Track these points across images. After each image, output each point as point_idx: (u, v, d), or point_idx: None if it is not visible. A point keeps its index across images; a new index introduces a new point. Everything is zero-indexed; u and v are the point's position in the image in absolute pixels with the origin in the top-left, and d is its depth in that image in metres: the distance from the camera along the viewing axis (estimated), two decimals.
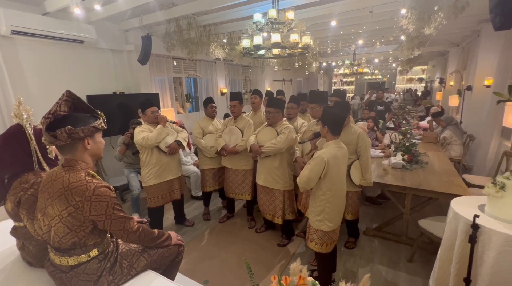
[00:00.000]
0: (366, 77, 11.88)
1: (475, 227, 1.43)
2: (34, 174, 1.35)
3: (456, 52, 6.91)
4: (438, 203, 2.71)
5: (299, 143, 2.50)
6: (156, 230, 1.41)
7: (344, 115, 1.88)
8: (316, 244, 1.89)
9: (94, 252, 1.21)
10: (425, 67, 12.09)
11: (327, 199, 1.80)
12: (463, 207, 1.64)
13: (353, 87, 14.69)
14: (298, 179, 1.82)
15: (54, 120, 1.12)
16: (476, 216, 1.42)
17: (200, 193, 3.94)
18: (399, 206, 2.70)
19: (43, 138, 1.37)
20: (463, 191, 2.33)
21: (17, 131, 1.36)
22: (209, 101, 3.21)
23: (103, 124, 1.22)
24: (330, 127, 1.80)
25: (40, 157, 1.40)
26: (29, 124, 1.38)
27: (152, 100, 2.79)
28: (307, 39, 2.88)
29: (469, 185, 3.22)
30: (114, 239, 1.38)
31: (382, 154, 3.59)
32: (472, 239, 1.43)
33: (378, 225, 2.93)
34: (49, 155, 1.45)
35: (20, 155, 1.37)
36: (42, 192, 1.19)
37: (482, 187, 2.96)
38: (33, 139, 1.37)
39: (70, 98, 1.17)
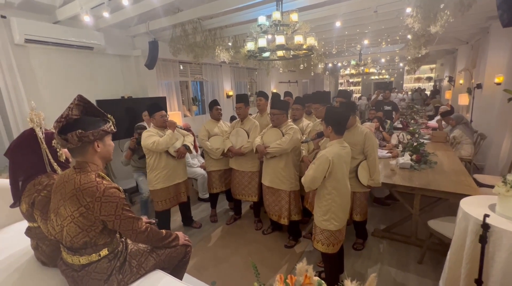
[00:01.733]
0: (373, 77, 11.78)
1: (485, 227, 1.40)
2: (47, 176, 1.41)
3: (465, 50, 6.78)
4: (448, 204, 2.66)
5: (302, 142, 2.51)
6: (164, 231, 1.44)
7: (347, 114, 1.88)
8: (322, 245, 1.89)
9: (104, 252, 1.25)
10: (434, 65, 11.89)
11: (333, 198, 1.80)
12: (473, 207, 1.61)
13: (359, 87, 14.56)
14: (303, 179, 1.82)
15: (66, 123, 1.17)
16: (486, 215, 1.39)
17: (207, 195, 3.96)
18: (407, 206, 2.66)
19: (53, 141, 1.42)
20: (473, 191, 2.28)
21: (30, 135, 1.42)
22: (214, 103, 3.25)
23: (112, 127, 1.26)
24: (333, 126, 1.81)
25: (52, 160, 1.45)
26: (40, 128, 1.43)
27: (161, 104, 2.84)
28: (311, 40, 2.89)
29: (481, 185, 3.14)
30: (124, 239, 1.41)
31: (389, 154, 3.54)
32: (483, 239, 1.41)
33: (386, 226, 2.89)
34: (59, 158, 1.50)
35: (33, 158, 1.42)
36: (55, 193, 1.24)
37: (493, 187, 2.89)
38: (44, 142, 1.42)
39: (81, 102, 1.22)
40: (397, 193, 2.72)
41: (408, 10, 2.95)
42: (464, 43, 6.62)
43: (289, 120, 2.77)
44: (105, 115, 1.28)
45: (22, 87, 3.17)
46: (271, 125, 2.74)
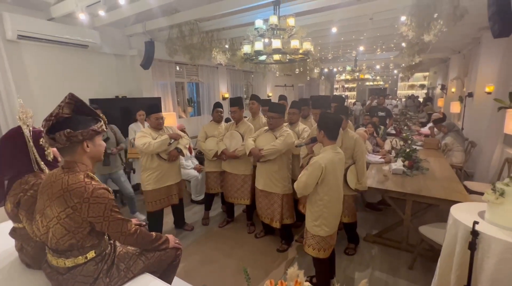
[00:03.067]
0: (367, 83, 11.92)
1: (474, 233, 1.41)
2: (34, 175, 1.37)
3: (457, 59, 6.93)
4: (439, 210, 2.70)
5: (296, 146, 2.51)
6: (153, 233, 1.41)
7: (340, 119, 1.89)
8: (313, 250, 1.88)
9: (91, 254, 1.21)
10: (427, 73, 12.12)
11: (324, 204, 1.80)
12: (463, 214, 1.63)
13: (354, 93, 14.72)
14: (295, 185, 1.82)
15: (55, 122, 1.14)
16: (475, 222, 1.41)
17: (201, 197, 3.94)
18: (399, 212, 2.68)
19: (41, 140, 1.39)
20: (464, 198, 2.31)
21: (16, 133, 1.38)
22: (216, 106, 3.24)
23: (103, 127, 1.24)
24: (326, 131, 1.81)
25: (38, 159, 1.42)
26: (27, 125, 1.40)
27: (159, 106, 2.83)
28: (307, 45, 2.92)
29: (471, 192, 3.19)
30: (112, 241, 1.38)
31: (382, 160, 3.58)
32: (472, 246, 1.42)
33: (378, 231, 2.90)
34: (47, 157, 1.46)
35: (19, 157, 1.38)
36: (41, 193, 1.20)
37: (483, 194, 2.92)
38: (31, 141, 1.39)
39: (72, 101, 1.19)
40: (389, 199, 2.74)
41: (403, 18, 3.00)
42: (456, 52, 6.77)
43: (285, 124, 2.78)
44: (96, 114, 1.26)
45: (13, 83, 3.10)
46: (264, 129, 2.74)
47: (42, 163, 1.40)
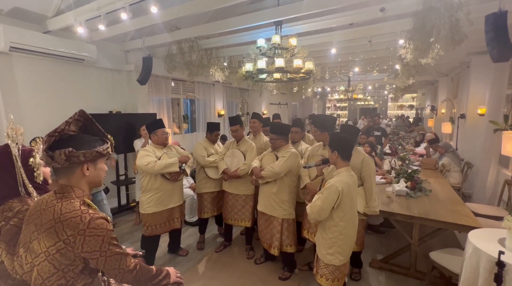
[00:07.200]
0: (358, 103, 12.22)
1: (500, 265, 1.33)
2: (19, 200, 1.20)
3: (445, 81, 7.21)
4: (444, 234, 2.63)
5: (304, 167, 2.41)
6: (153, 267, 1.24)
7: (354, 139, 1.82)
8: (327, 280, 1.74)
9: None
10: (415, 95, 12.58)
11: (340, 230, 1.69)
12: (482, 241, 1.56)
13: (346, 112, 15.04)
14: (309, 210, 1.71)
15: (59, 139, 1.02)
16: (501, 252, 1.33)
17: (195, 219, 3.74)
18: (406, 236, 2.58)
19: (30, 160, 1.24)
20: (473, 222, 2.25)
21: (3, 152, 1.23)
22: (215, 128, 3.06)
23: (109, 149, 1.11)
24: (339, 152, 1.73)
25: (26, 181, 1.26)
26: (16, 144, 1.25)
27: (163, 121, 2.69)
28: (309, 65, 2.93)
29: (474, 214, 3.14)
30: (106, 278, 1.20)
31: (383, 180, 3.52)
32: (498, 279, 1.33)
33: (384, 257, 2.78)
34: (36, 179, 1.30)
35: (3, 179, 1.22)
36: (28, 223, 1.04)
37: (486, 216, 2.87)
38: (19, 161, 1.24)
39: (81, 118, 1.08)
40: (394, 221, 2.65)
41: (401, 41, 3.08)
42: (444, 75, 7.06)
43: (289, 144, 2.69)
44: (104, 135, 1.14)
45: (1, 97, 2.93)
46: (269, 149, 2.66)
47: (30, 186, 1.24)
